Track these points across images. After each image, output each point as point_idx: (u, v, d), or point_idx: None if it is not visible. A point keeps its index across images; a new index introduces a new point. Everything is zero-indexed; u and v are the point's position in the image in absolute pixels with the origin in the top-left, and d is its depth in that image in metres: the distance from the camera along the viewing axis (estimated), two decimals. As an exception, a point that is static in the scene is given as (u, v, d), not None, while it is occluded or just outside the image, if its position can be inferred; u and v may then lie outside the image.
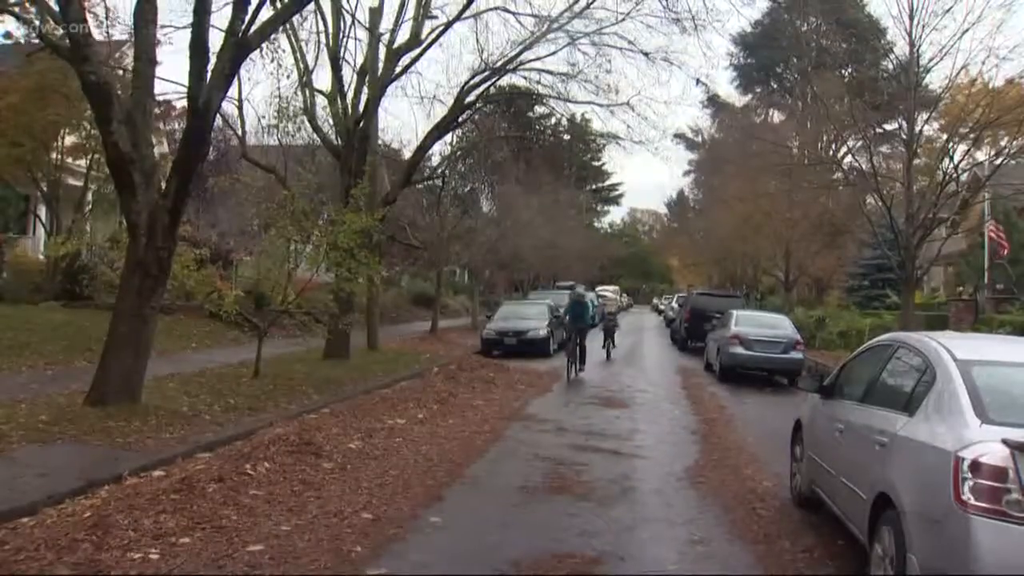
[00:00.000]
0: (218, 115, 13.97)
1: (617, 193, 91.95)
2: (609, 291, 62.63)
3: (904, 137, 24.60)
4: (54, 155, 24.08)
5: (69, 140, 24.23)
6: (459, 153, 31.39)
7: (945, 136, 24.96)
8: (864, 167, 25.59)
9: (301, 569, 6.21)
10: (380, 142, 27.89)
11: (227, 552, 6.51)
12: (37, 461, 8.37)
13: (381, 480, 9.16)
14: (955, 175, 23.98)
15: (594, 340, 24.96)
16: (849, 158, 30.62)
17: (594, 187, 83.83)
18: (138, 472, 8.50)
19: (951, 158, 23.59)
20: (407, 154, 30.00)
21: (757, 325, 22.51)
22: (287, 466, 9.28)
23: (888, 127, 29.31)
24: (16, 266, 23.52)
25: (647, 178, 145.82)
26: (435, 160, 31.47)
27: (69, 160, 24.72)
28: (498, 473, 10.03)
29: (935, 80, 28.94)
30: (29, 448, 8.82)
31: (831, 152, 35.50)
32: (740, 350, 21.47)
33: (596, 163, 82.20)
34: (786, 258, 39.92)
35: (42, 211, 26.13)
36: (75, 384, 12.39)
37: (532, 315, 27.60)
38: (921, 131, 24.86)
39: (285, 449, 9.86)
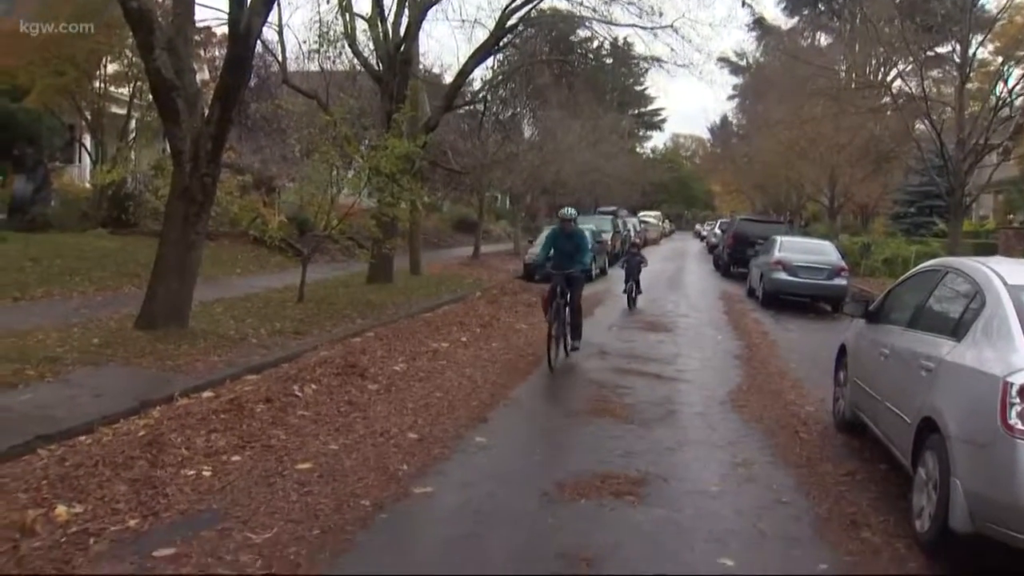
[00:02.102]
0: (259, 41, 13.88)
1: (660, 118, 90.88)
2: (651, 217, 62.25)
3: (957, 60, 24.02)
4: (97, 84, 24.18)
5: (111, 68, 24.29)
6: (500, 78, 31.00)
7: (1000, 59, 24.31)
8: (914, 91, 25.02)
9: (349, 487, 6.32)
10: (421, 67, 27.74)
11: (277, 470, 6.65)
12: (91, 383, 8.56)
13: (426, 401, 9.27)
14: (1009, 100, 23.37)
15: (610, 290, 21.98)
16: (898, 82, 29.94)
17: (636, 112, 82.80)
18: (189, 393, 8.66)
19: (1005, 82, 23.03)
20: (448, 79, 29.82)
21: (801, 251, 22.23)
22: (333, 388, 9.42)
23: (940, 50, 28.56)
24: (64, 194, 23.81)
25: (690, 103, 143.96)
26: (476, 85, 31.20)
27: (112, 88, 24.82)
28: (542, 395, 10.11)
29: (991, 0, 28.07)
30: (83, 370, 9.01)
31: (880, 76, 34.71)
32: (784, 276, 21.27)
33: (638, 88, 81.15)
34: (831, 184, 39.37)
35: (87, 140, 26.35)
36: (125, 309, 12.60)
37: (574, 240, 27.40)
38: (975, 54, 24.23)
39: (331, 371, 10.01)
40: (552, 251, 12.77)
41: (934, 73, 30.91)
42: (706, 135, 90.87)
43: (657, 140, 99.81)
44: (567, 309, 12.09)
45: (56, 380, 8.52)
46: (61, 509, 5.46)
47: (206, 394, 8.77)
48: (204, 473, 6.42)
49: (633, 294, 19.92)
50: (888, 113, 30.75)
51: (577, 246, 12.50)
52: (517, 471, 7.24)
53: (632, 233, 37.13)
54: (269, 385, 9.18)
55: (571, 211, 12.71)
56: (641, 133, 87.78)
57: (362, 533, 5.52)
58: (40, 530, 5.16)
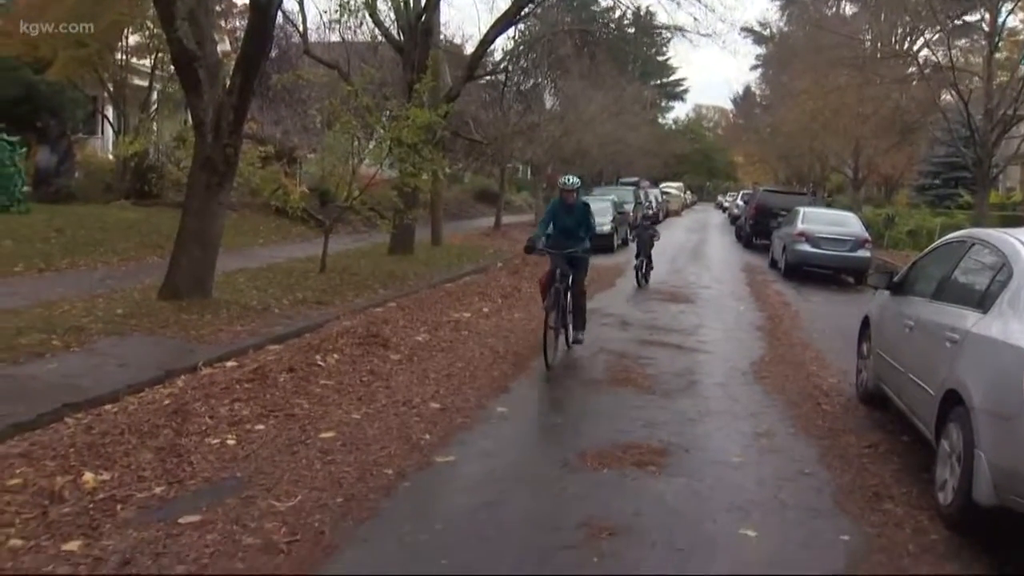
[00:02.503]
0: (279, 11, 13.84)
1: (682, 88, 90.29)
2: (673, 188, 62.00)
3: (985, 28, 23.66)
4: (119, 55, 24.22)
5: (133, 40, 24.31)
6: (522, 48, 30.81)
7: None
8: (941, 61, 24.69)
9: (372, 456, 6.36)
10: (442, 37, 27.56)
11: (300, 439, 6.69)
12: (116, 352, 8.63)
13: (448, 371, 9.30)
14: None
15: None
16: (925, 51, 29.59)
17: (659, 82, 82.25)
18: (212, 363, 8.73)
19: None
20: (469, 49, 29.72)
21: (824, 222, 22.08)
22: (356, 357, 9.46)
23: (968, 18, 28.14)
24: (87, 166, 23.95)
25: (713, 74, 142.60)
26: (497, 55, 31.03)
27: (134, 60, 24.86)
28: (565, 367, 10.11)
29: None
30: (108, 340, 9.08)
31: (905, 45, 34.28)
32: (806, 247, 21.16)
33: (661, 58, 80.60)
34: (855, 155, 39.01)
35: (109, 111, 26.43)
36: (148, 279, 12.68)
37: (595, 211, 27.32)
38: (1004, 22, 23.86)
39: (353, 341, 10.05)
40: (552, 227, 10.80)
41: (962, 42, 30.54)
42: (729, 106, 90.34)
43: (679, 111, 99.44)
44: (568, 295, 10.43)
45: (82, 350, 8.60)
46: (88, 476, 5.52)
47: (229, 364, 8.84)
48: (228, 442, 6.48)
49: (644, 270, 18.41)
50: (914, 83, 30.35)
51: (580, 221, 10.55)
52: (538, 441, 7.27)
53: (653, 203, 36.77)
54: (292, 355, 9.23)
55: (572, 179, 10.67)
56: (663, 104, 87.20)
57: (385, 501, 5.56)
58: (68, 496, 5.22)
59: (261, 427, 6.91)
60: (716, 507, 5.80)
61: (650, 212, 24.31)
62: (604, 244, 25.35)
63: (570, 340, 10.77)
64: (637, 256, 18.65)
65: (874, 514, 5.80)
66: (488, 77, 30.08)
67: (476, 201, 41.78)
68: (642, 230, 19.26)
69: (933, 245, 8.80)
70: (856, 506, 5.94)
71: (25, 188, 18.85)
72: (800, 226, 21.65)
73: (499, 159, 34.86)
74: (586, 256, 10.75)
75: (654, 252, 19.15)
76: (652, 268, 18.81)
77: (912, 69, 29.68)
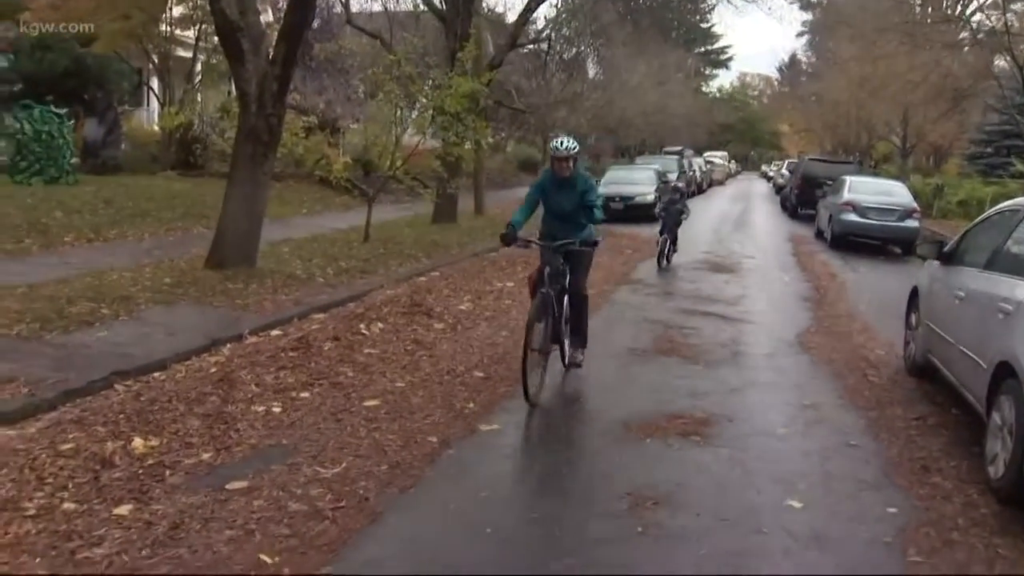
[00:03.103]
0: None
1: (726, 56, 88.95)
2: (717, 157, 61.33)
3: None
4: (163, 27, 24.37)
5: (177, 11, 24.45)
6: (564, 16, 30.66)
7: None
8: (995, 25, 24.10)
9: (416, 424, 6.39)
10: (484, 5, 27.44)
11: (345, 407, 6.74)
12: (164, 321, 8.73)
13: (492, 340, 9.31)
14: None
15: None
16: (978, 15, 28.87)
17: (702, 50, 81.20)
18: (258, 331, 8.79)
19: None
20: (511, 17, 29.50)
21: (871, 192, 21.69)
22: (399, 326, 9.50)
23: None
24: (133, 138, 24.21)
25: (758, 41, 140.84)
26: (540, 24, 30.88)
27: (178, 31, 25.00)
28: (608, 336, 10.07)
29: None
30: (156, 309, 9.18)
31: (958, 9, 33.50)
32: (853, 217, 20.82)
33: (705, 25, 79.48)
34: (903, 124, 38.31)
35: (155, 83, 26.65)
36: (194, 249, 12.80)
37: (639, 180, 27.17)
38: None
39: (397, 310, 10.09)
40: (544, 210, 8.09)
41: (1017, 6, 29.76)
42: (774, 74, 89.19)
43: (723, 79, 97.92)
44: (565, 303, 7.82)
45: (130, 318, 8.70)
46: (138, 442, 5.60)
47: (275, 332, 8.90)
48: (274, 409, 6.54)
49: (666, 250, 16.23)
50: (966, 49, 29.69)
51: (579, 202, 7.76)
52: (584, 410, 7.25)
53: (694, 172, 35.94)
54: (336, 324, 9.29)
55: (566, 142, 7.80)
56: (707, 72, 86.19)
57: (429, 469, 5.59)
58: (118, 462, 5.30)
59: (306, 395, 6.96)
60: (761, 478, 5.76)
61: (681, 185, 20.43)
62: (647, 214, 25.25)
63: (566, 361, 8.03)
64: (660, 234, 16.38)
65: (922, 487, 5.72)
66: (531, 46, 29.98)
67: (519, 171, 41.66)
68: (669, 204, 17.17)
69: (985, 214, 8.61)
70: (904, 479, 5.87)
71: (73, 160, 19.10)
72: (847, 195, 21.30)
73: (542, 128, 34.76)
74: (589, 251, 7.98)
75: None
76: (676, 250, 16.70)
77: (964, 34, 29.04)
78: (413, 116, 17.34)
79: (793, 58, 75.44)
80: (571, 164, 7.78)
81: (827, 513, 5.25)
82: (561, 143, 7.78)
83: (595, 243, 7.92)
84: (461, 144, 17.03)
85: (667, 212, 16.71)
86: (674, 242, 16.53)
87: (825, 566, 4.61)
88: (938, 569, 4.57)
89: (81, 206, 15.82)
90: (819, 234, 23.63)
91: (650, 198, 25.67)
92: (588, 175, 8.14)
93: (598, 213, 7.84)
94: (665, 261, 16.21)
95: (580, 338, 8.14)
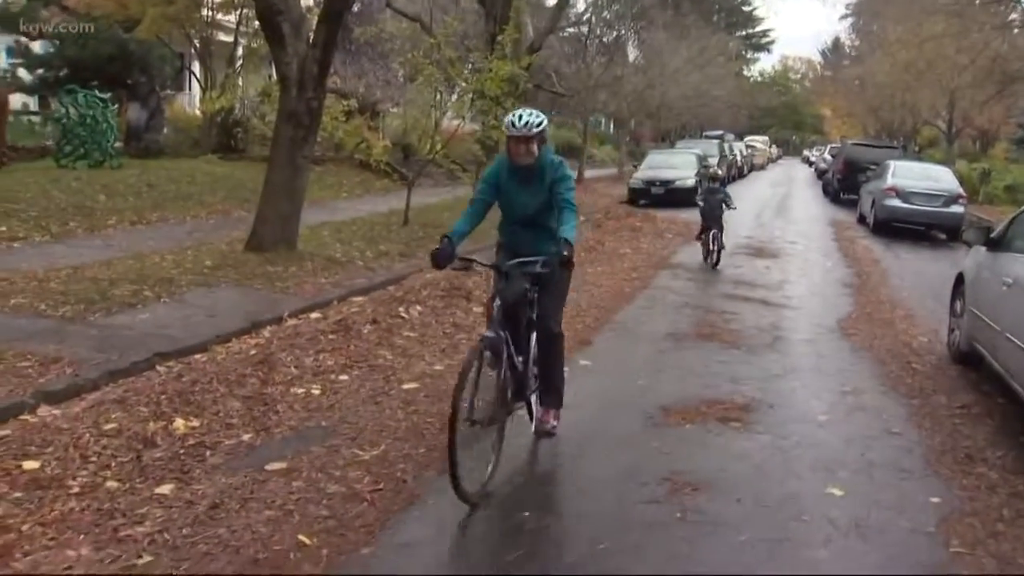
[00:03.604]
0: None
1: (768, 39, 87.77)
2: (758, 141, 60.71)
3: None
4: (205, 11, 24.50)
5: (218, -4, 24.59)
6: (605, -1, 30.45)
7: None
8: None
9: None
10: (524, -12, 27.28)
11: (384, 389, 6.76)
12: (205, 303, 8.80)
13: (530, 324, 9.26)
14: None
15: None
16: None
17: (744, 33, 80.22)
18: (297, 314, 8.84)
19: None
20: (551, 1, 29.33)
21: (916, 177, 21.34)
22: (438, 309, 9.51)
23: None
24: (175, 122, 24.39)
25: (801, 24, 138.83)
26: (580, 7, 30.69)
27: (219, 16, 25.13)
28: (647, 320, 10.03)
29: None
30: (197, 291, 9.27)
31: (1010, -12, 32.78)
32: (896, 202, 20.52)
33: (747, 8, 78.57)
34: (950, 108, 37.69)
35: (196, 68, 26.83)
36: (235, 232, 12.89)
37: (679, 164, 26.99)
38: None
39: (436, 293, 10.10)
40: (501, 210, 6.01)
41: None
42: (817, 57, 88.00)
43: (765, 63, 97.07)
44: (530, 343, 5.68)
45: (172, 301, 8.79)
46: (179, 422, 5.66)
47: (314, 315, 8.94)
48: (313, 391, 6.57)
49: (713, 247, 14.24)
50: (1016, 31, 29.09)
51: (546, 200, 5.64)
52: (621, 394, 7.21)
53: (734, 157, 35.18)
54: (375, 307, 9.31)
55: (527, 117, 5.48)
56: (749, 55, 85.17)
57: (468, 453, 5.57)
58: (160, 442, 5.35)
59: (345, 377, 6.99)
60: (802, 464, 5.70)
61: (719, 173, 17.45)
62: (688, 199, 25.09)
63: (535, 424, 5.90)
64: (703, 231, 14.53)
65: (966, 477, 5.63)
66: (570, 29, 29.79)
67: (558, 155, 41.46)
68: (708, 194, 15.06)
69: (1034, 199, 8.44)
70: (947, 468, 5.78)
71: (117, 144, 19.27)
72: (890, 180, 21.00)
73: (581, 112, 34.56)
74: (562, 275, 5.61)
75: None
76: (724, 246, 14.44)
77: (1014, 15, 28.46)
78: (452, 100, 17.33)
79: (837, 41, 74.41)
80: (535, 147, 5.51)
81: (868, 501, 5.18)
82: (520, 117, 5.45)
83: (568, 260, 5.23)
84: (500, 127, 16.97)
85: (707, 203, 14.64)
86: (719, 236, 14.27)
87: (866, 554, 4.55)
88: (982, 561, 4.50)
89: (124, 189, 15.97)
90: (861, 220, 23.34)
91: (690, 182, 25.51)
92: (559, 160, 5.72)
93: (569, 217, 5.34)
94: (714, 259, 14.16)
95: (554, 396, 5.90)
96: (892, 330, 10.17)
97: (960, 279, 9.05)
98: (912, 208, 20.36)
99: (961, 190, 21.12)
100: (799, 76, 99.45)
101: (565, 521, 4.80)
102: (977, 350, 8.03)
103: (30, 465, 4.84)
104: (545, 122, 5.53)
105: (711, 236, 14.23)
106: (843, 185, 29.68)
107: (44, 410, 5.67)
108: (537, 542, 4.50)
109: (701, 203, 14.99)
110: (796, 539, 4.66)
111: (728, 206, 14.45)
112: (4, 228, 11.77)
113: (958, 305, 8.91)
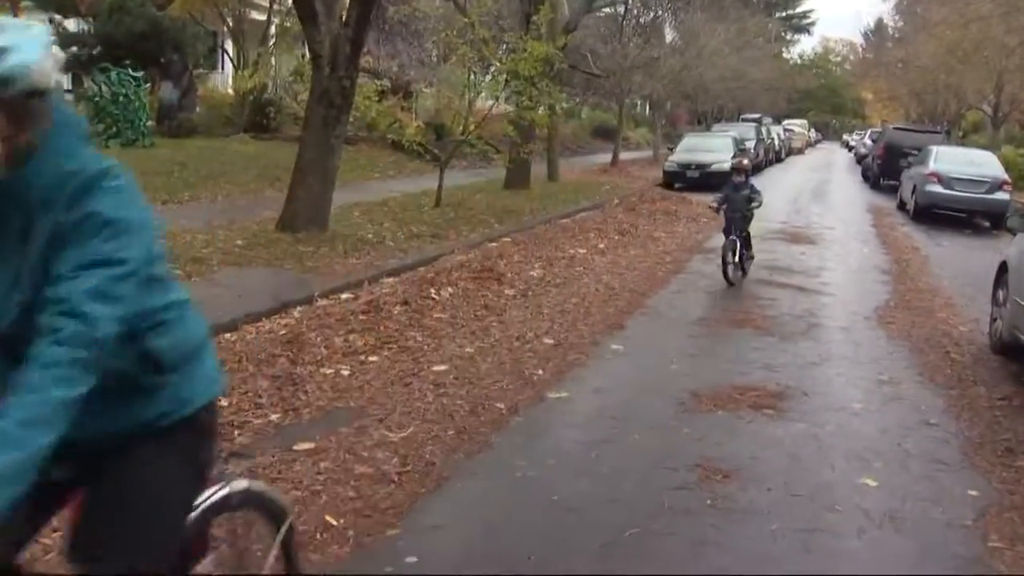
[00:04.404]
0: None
1: (809, 21, 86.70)
2: (797, 125, 60.08)
3: None
4: (238, -10, 24.58)
5: (252, -27, 24.63)
6: (642, -22, 30.16)
7: None
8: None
9: (485, 390, 6.35)
10: (560, -32, 27.07)
11: (413, 371, 6.72)
12: (235, 282, 8.81)
13: (562, 307, 9.22)
14: None
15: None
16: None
17: (784, 14, 79.31)
18: (328, 294, 8.82)
19: None
20: (588, -20, 29.09)
21: (959, 162, 20.96)
22: (469, 291, 9.45)
23: None
24: (208, 101, 24.45)
25: (842, 5, 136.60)
26: (617, -15, 30.43)
27: (252, -6, 25.19)
28: (680, 304, 9.93)
29: None
30: (227, 270, 9.28)
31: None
32: (938, 188, 20.15)
33: (787, -13, 77.71)
34: (996, 91, 37.00)
35: (229, 46, 26.90)
36: (266, 212, 12.90)
37: (716, 148, 26.74)
38: None
39: (467, 275, 10.05)
40: None
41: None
42: (858, 39, 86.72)
43: (805, 44, 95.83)
44: None
45: (202, 280, 8.81)
46: (208, 401, 5.63)
47: (344, 295, 8.92)
48: (342, 372, 6.54)
49: (736, 256, 11.17)
50: (1067, 12, 28.46)
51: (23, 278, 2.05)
52: (653, 379, 7.13)
53: (772, 141, 34.54)
54: (406, 288, 9.28)
55: None
56: (788, 37, 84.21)
57: (496, 435, 5.54)
58: (188, 421, 5.33)
59: (375, 358, 6.96)
60: (835, 454, 5.60)
61: (745, 164, 12.72)
62: (724, 182, 24.79)
63: None
64: (726, 235, 11.36)
65: (1006, 470, 5.49)
66: (607, 9, 29.55)
67: (593, 137, 41.34)
68: (731, 191, 11.52)
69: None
70: (986, 460, 5.64)
71: (149, 123, 19.36)
72: (932, 166, 20.64)
73: (617, 94, 34.28)
74: None
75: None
76: (752, 256, 11.72)
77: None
78: (486, 80, 17.24)
79: (879, 23, 73.12)
80: None
81: (903, 493, 5.07)
82: None
83: None
84: (535, 108, 16.88)
85: (728, 202, 11.43)
86: (746, 244, 11.45)
87: (901, 547, 4.46)
88: (1022, 556, 4.39)
89: (156, 168, 16.03)
90: (901, 206, 22.99)
91: (726, 166, 25.17)
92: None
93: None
94: (739, 272, 11.36)
95: None
96: (931, 319, 9.99)
97: (1003, 267, 8.85)
98: (954, 194, 19.99)
99: (1006, 176, 20.71)
100: (840, 58, 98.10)
101: (594, 505, 4.74)
102: (1020, 340, 7.85)
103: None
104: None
105: (732, 247, 11.12)
106: (883, 170, 29.27)
107: (74, 387, 5.66)
108: (565, 525, 4.45)
109: (716, 204, 11.68)
110: (828, 529, 4.57)
111: (756, 205, 11.40)
112: (38, 206, 11.81)
113: (1001, 294, 8.72)
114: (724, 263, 11.03)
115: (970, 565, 4.32)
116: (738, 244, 11.16)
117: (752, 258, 11.70)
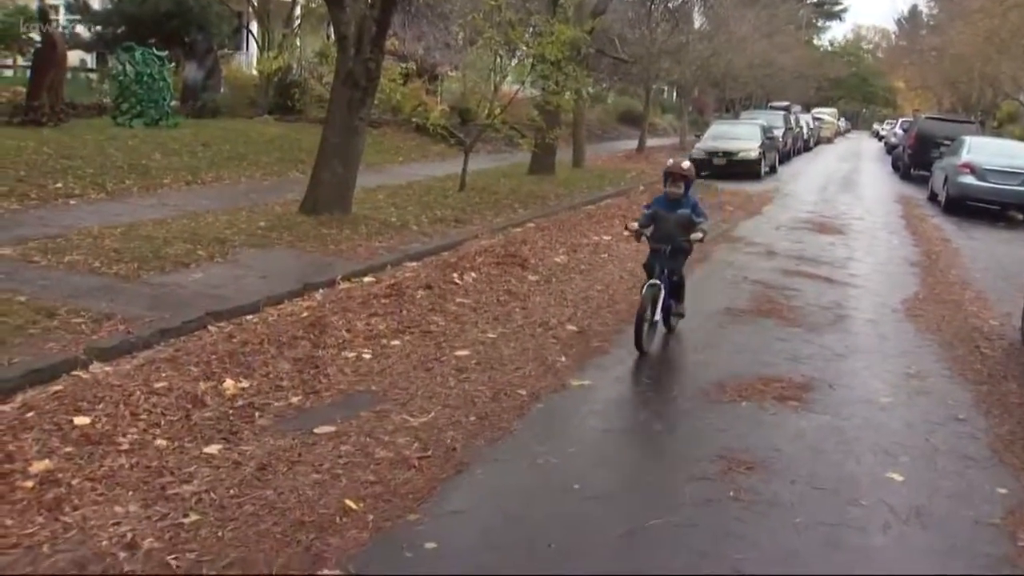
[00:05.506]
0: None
1: (840, 7, 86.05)
2: (826, 114, 59.53)
3: None
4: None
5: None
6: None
7: None
8: None
9: (507, 376, 6.30)
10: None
11: (435, 356, 6.69)
12: (258, 264, 8.80)
13: (586, 294, 9.16)
14: None
15: (779, 189, 19.31)
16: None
17: (815, 1, 78.63)
18: (350, 277, 8.80)
19: None
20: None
21: (993, 153, 20.56)
22: (493, 277, 9.41)
23: None
24: (232, 82, 24.43)
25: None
26: (645, -29, 30.19)
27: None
28: (705, 294, 9.83)
29: None
30: (250, 252, 9.27)
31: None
32: (971, 180, 19.80)
33: (818, -25, 77.03)
34: (1034, 81, 36.45)
35: (254, 27, 26.87)
36: (290, 194, 12.89)
37: (743, 135, 26.50)
38: None
39: (491, 260, 10.01)
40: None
41: None
42: (891, 26, 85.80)
43: (836, 31, 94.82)
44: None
45: (225, 261, 8.80)
46: (229, 383, 5.64)
47: (367, 279, 8.90)
48: (364, 355, 6.52)
49: (656, 310, 7.39)
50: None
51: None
52: (676, 369, 7.08)
53: (800, 129, 33.95)
54: (429, 272, 9.25)
55: None
56: (819, 24, 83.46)
57: (518, 422, 5.51)
58: (209, 402, 5.34)
59: (397, 342, 6.93)
60: (861, 447, 5.53)
61: (683, 166, 7.70)
62: (751, 170, 24.69)
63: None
64: (648, 273, 7.58)
65: (1037, 468, 5.41)
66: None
67: (619, 123, 41.12)
68: (662, 208, 7.67)
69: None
70: (1016, 457, 5.55)
71: (173, 103, 19.37)
72: (965, 156, 20.27)
73: (644, 79, 34.00)
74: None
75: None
76: (682, 312, 8.00)
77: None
78: (512, 64, 17.13)
79: (914, 9, 72.35)
80: None
81: (930, 489, 5.00)
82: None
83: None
84: (561, 93, 16.75)
85: (656, 225, 7.69)
86: (676, 292, 7.78)
87: (927, 543, 4.39)
88: (1052, 556, 4.31)
89: (180, 148, 16.04)
90: (932, 197, 22.69)
91: (754, 154, 25.09)
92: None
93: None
94: (659, 329, 7.60)
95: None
96: (961, 312, 9.84)
97: (1035, 260, 8.72)
98: (987, 186, 19.66)
99: None
100: (871, 46, 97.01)
101: (615, 494, 4.69)
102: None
103: (81, 421, 4.85)
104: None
105: (652, 296, 7.31)
106: (914, 161, 28.90)
107: (96, 367, 5.69)
108: (585, 514, 4.40)
109: (638, 226, 7.74)
110: (853, 524, 4.50)
111: (697, 239, 7.55)
112: (60, 185, 11.85)
113: (1032, 287, 8.59)
114: (639, 319, 7.13)
115: (998, 564, 4.25)
116: (662, 291, 7.45)
117: (682, 315, 8.01)
